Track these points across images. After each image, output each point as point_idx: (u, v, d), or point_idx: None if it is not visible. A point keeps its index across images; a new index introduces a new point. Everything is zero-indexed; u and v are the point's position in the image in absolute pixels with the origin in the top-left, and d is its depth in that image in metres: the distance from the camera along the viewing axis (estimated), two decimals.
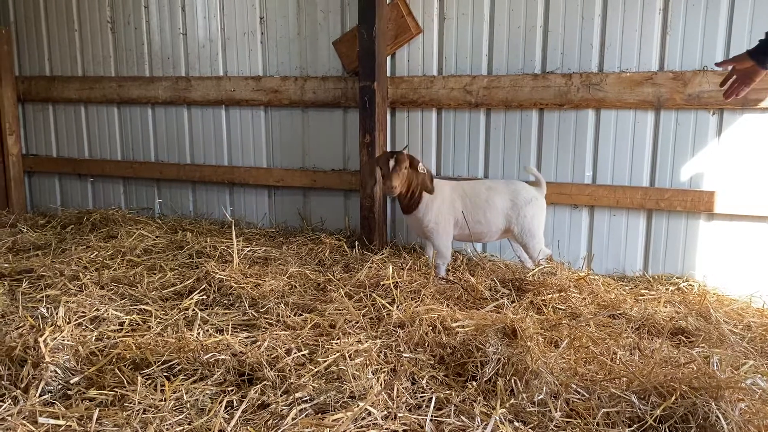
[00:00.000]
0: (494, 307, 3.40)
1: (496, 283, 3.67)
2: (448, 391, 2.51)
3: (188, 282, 3.65)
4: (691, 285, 4.05)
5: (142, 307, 3.31)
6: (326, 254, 4.39)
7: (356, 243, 4.64)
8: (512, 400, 2.43)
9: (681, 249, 4.25)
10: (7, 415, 2.24)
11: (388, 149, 4.87)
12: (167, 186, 5.75)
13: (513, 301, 3.47)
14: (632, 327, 3.30)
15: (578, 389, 2.53)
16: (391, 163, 3.88)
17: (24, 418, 2.27)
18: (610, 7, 4.19)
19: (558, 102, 4.36)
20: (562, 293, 3.56)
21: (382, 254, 4.26)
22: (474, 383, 2.54)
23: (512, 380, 2.52)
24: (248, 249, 4.33)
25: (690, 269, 4.23)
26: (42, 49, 6.00)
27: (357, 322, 3.10)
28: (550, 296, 3.51)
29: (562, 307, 3.47)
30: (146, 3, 5.52)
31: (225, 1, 5.25)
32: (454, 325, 2.94)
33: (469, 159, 4.68)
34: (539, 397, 2.45)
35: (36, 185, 6.33)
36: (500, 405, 2.34)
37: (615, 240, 4.40)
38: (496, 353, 2.64)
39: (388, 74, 4.79)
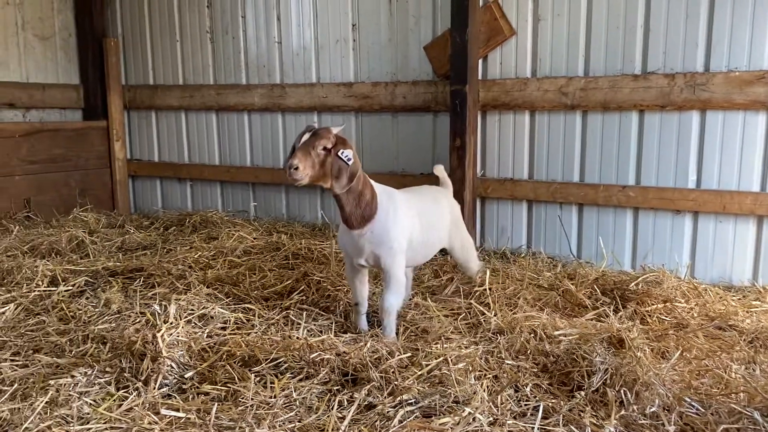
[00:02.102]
0: (595, 315, 3.31)
1: (596, 291, 3.58)
2: (554, 400, 2.47)
3: (287, 282, 3.76)
4: None
5: (245, 305, 3.43)
6: None
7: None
8: (622, 412, 2.36)
9: None
10: (134, 405, 2.37)
11: (479, 153, 4.84)
12: (262, 189, 5.94)
13: (615, 310, 3.37)
14: (745, 340, 3.13)
15: (692, 403, 2.43)
16: (305, 137, 2.81)
17: (146, 408, 2.40)
18: (717, 3, 4.00)
19: (660, 103, 4.20)
20: (667, 303, 3.42)
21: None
22: (581, 393, 2.48)
23: (622, 391, 2.45)
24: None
25: None
26: (146, 59, 6.35)
27: (451, 327, 3.09)
28: (654, 306, 3.39)
29: (667, 318, 3.35)
30: (243, 13, 5.74)
31: (319, 10, 5.38)
32: (556, 333, 2.88)
33: (564, 162, 4.57)
34: (651, 410, 2.37)
35: (139, 188, 6.69)
36: (614, 415, 2.27)
37: (721, 248, 4.18)
38: (604, 363, 2.57)
39: (480, 77, 4.76)
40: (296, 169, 2.71)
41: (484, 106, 4.77)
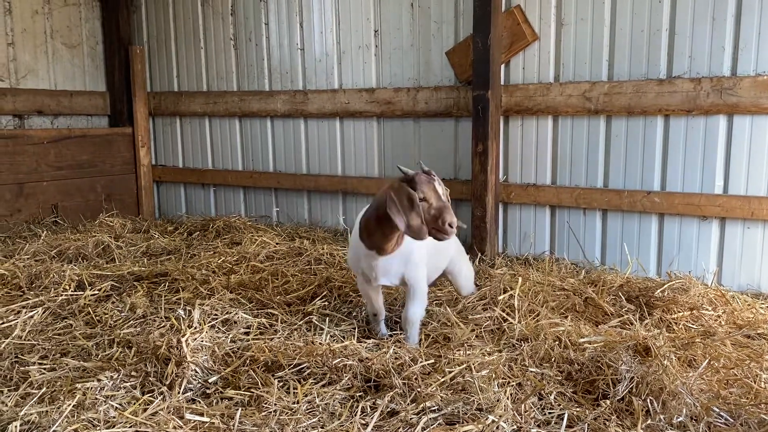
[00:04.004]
0: (619, 323, 3.27)
1: (621, 298, 3.53)
2: (578, 409, 2.44)
3: (310, 288, 3.77)
4: None
5: (268, 311, 3.45)
6: None
7: (468, 254, 4.65)
8: (649, 421, 2.33)
9: None
10: (159, 410, 2.40)
11: (501, 158, 4.82)
12: (284, 195, 5.98)
13: (641, 318, 3.33)
14: None
15: (721, 413, 2.39)
16: (440, 189, 2.71)
17: (170, 413, 2.42)
18: (744, 6, 3.94)
19: (685, 108, 4.14)
20: (694, 311, 3.37)
21: (500, 268, 4.21)
22: (607, 402, 2.45)
23: (648, 400, 2.42)
24: None
25: None
26: (171, 66, 6.44)
27: (473, 335, 3.08)
28: (680, 314, 3.34)
29: (694, 325, 3.29)
30: (267, 20, 5.80)
31: (341, 16, 5.41)
32: (581, 340, 2.85)
33: (588, 168, 4.53)
34: (678, 420, 2.33)
35: (164, 193, 6.78)
36: (641, 425, 2.24)
37: (749, 254, 4.10)
38: (630, 371, 2.53)
39: (502, 82, 4.74)
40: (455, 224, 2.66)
41: (507, 111, 4.75)
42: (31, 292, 3.80)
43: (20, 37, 5.90)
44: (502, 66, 4.72)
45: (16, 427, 2.21)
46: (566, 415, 2.36)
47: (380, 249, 2.91)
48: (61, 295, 3.75)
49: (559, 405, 2.47)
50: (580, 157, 4.56)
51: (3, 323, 3.36)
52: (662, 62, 4.22)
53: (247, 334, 3.19)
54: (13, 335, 3.22)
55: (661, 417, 2.34)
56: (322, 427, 2.33)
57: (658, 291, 3.57)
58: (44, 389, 2.60)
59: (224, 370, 2.74)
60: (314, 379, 2.66)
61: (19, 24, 5.89)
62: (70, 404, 2.40)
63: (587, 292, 3.58)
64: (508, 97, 4.71)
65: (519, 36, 4.64)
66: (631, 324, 3.22)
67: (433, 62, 5.07)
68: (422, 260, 3.03)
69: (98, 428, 2.27)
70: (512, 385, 2.56)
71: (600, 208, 4.51)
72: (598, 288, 3.70)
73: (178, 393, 2.56)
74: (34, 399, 2.51)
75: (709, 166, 4.15)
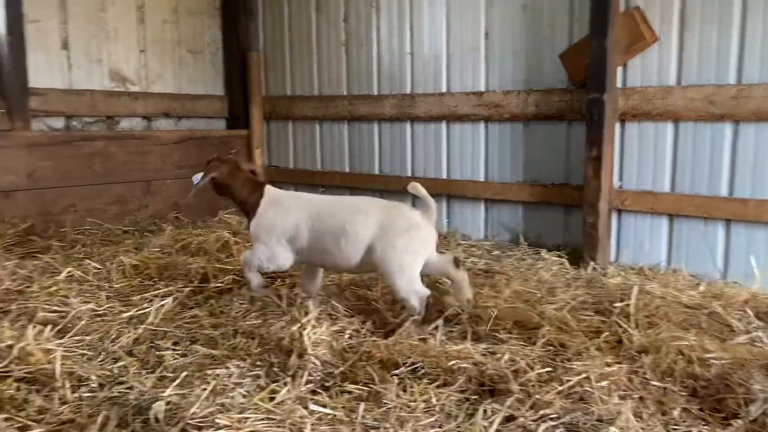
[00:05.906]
0: (748, 339, 3.10)
1: (748, 314, 3.34)
2: (706, 427, 2.35)
3: None
4: None
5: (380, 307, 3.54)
6: (548, 271, 4.32)
7: (579, 261, 4.56)
8: None
9: None
10: (286, 399, 2.53)
11: (616, 164, 4.68)
12: (388, 197, 6.02)
13: None
14: None
15: None
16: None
17: (295, 402, 2.54)
18: None
19: None
20: None
21: (613, 278, 4.09)
22: (738, 421, 2.34)
23: None
24: (469, 260, 4.43)
25: None
26: (285, 71, 6.72)
27: (591, 343, 3.01)
28: None
29: None
30: (378, 26, 5.93)
31: (451, 20, 5.45)
32: (707, 356, 2.73)
33: (711, 175, 4.31)
34: None
35: None
36: None
37: None
38: (764, 391, 2.40)
39: (619, 85, 4.60)
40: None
41: (623, 115, 4.60)
42: (162, 282, 4.09)
43: (151, 45, 6.36)
44: (619, 68, 4.59)
45: (161, 405, 2.39)
46: None
47: None
48: (188, 287, 4.01)
49: (684, 422, 2.39)
50: (702, 163, 4.35)
51: (138, 310, 3.64)
52: None
53: (359, 331, 3.29)
54: (148, 321, 3.47)
55: None
56: (440, 427, 2.37)
57: None
58: (180, 373, 2.79)
59: (342, 364, 2.84)
60: (429, 379, 2.70)
61: (150, 33, 6.35)
62: (206, 389, 2.57)
63: (711, 306, 3.41)
64: (624, 100, 4.56)
65: (638, 37, 4.48)
66: (762, 342, 3.04)
67: (545, 65, 4.99)
68: (264, 244, 3.62)
69: (231, 413, 2.42)
70: (633, 398, 2.50)
71: (723, 218, 4.28)
72: (723, 302, 3.52)
73: (301, 384, 2.68)
74: (175, 383, 2.68)
75: None
